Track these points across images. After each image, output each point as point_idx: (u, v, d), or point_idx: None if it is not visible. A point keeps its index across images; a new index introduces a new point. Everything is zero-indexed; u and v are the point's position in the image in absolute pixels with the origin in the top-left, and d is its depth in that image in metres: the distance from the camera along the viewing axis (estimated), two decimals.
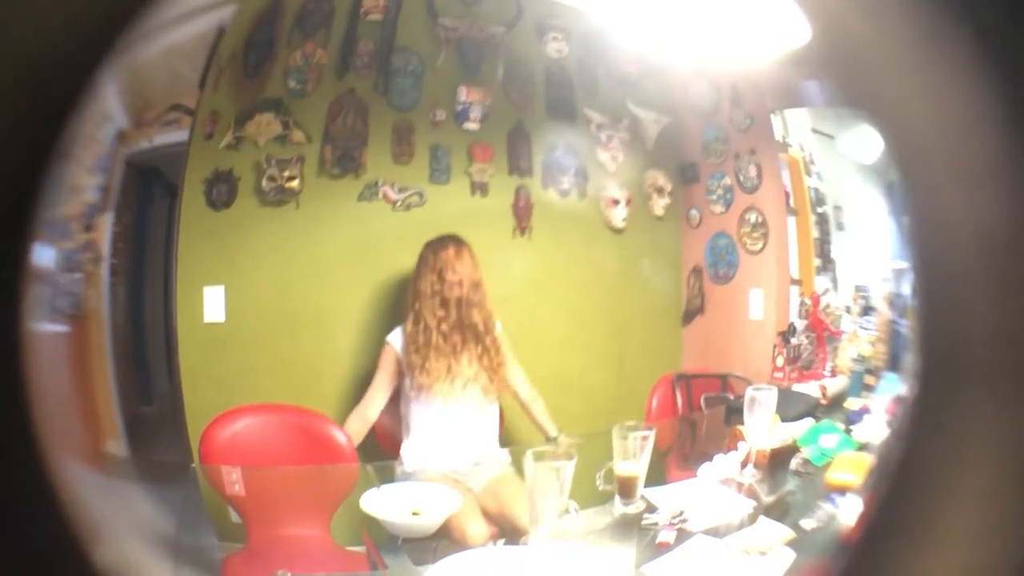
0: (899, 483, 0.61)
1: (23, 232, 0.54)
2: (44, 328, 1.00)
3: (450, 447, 1.51)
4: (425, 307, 1.49)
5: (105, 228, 1.42)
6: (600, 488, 1.21)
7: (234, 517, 1.35)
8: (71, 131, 0.56)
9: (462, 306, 1.50)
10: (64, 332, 1.29)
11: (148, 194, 1.53)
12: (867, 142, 0.98)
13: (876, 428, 1.31)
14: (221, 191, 1.49)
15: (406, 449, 1.51)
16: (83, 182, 1.42)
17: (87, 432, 1.35)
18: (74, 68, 0.54)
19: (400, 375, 1.52)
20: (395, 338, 1.52)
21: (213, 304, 1.48)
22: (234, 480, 1.39)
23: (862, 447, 1.28)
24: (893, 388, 1.28)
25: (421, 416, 1.50)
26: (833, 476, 1.20)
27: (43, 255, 0.62)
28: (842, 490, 1.15)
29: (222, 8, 1.53)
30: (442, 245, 1.50)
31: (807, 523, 1.11)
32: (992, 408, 0.58)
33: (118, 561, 0.62)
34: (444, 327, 1.49)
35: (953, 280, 0.59)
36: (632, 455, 1.18)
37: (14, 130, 0.52)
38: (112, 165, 1.45)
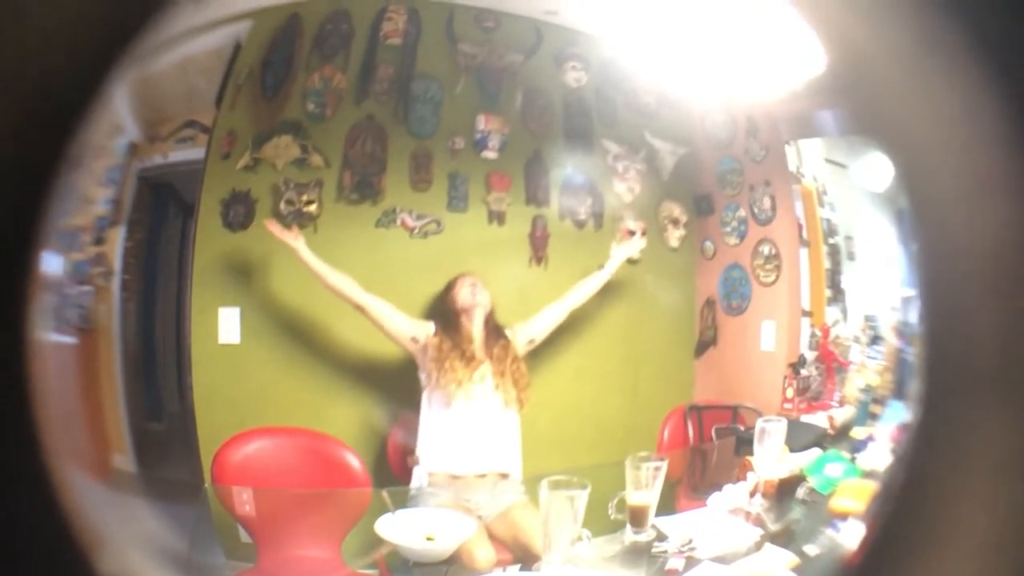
0: (901, 507, 0.67)
1: (30, 238, 0.56)
2: (51, 338, 1.10)
3: (467, 449, 1.63)
4: (449, 322, 1.64)
5: (116, 242, 1.52)
6: (612, 517, 1.33)
7: (244, 537, 1.45)
8: (80, 138, 0.58)
9: (488, 322, 1.65)
10: (72, 344, 1.39)
11: (162, 211, 1.63)
12: (878, 170, 1.09)
13: (880, 455, 1.41)
14: (238, 212, 1.61)
15: (423, 448, 1.63)
16: (94, 193, 1.52)
17: (94, 444, 1.44)
18: (82, 73, 0.56)
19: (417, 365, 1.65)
20: (429, 327, 1.65)
21: (228, 325, 1.60)
22: (245, 501, 1.49)
23: (866, 474, 1.39)
24: (898, 416, 1.38)
25: (439, 417, 1.63)
26: (837, 503, 1.31)
27: (51, 263, 0.65)
28: (845, 516, 1.25)
29: (238, 23, 1.62)
30: (460, 276, 1.66)
31: (811, 549, 1.23)
32: (994, 429, 0.61)
33: (121, 571, 0.66)
34: (465, 343, 1.63)
35: (959, 304, 0.63)
36: (644, 485, 1.31)
37: (21, 132, 0.54)
38: (124, 178, 1.55)
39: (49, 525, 0.58)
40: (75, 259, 1.44)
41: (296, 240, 1.58)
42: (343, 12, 1.66)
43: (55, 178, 0.56)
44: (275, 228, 1.58)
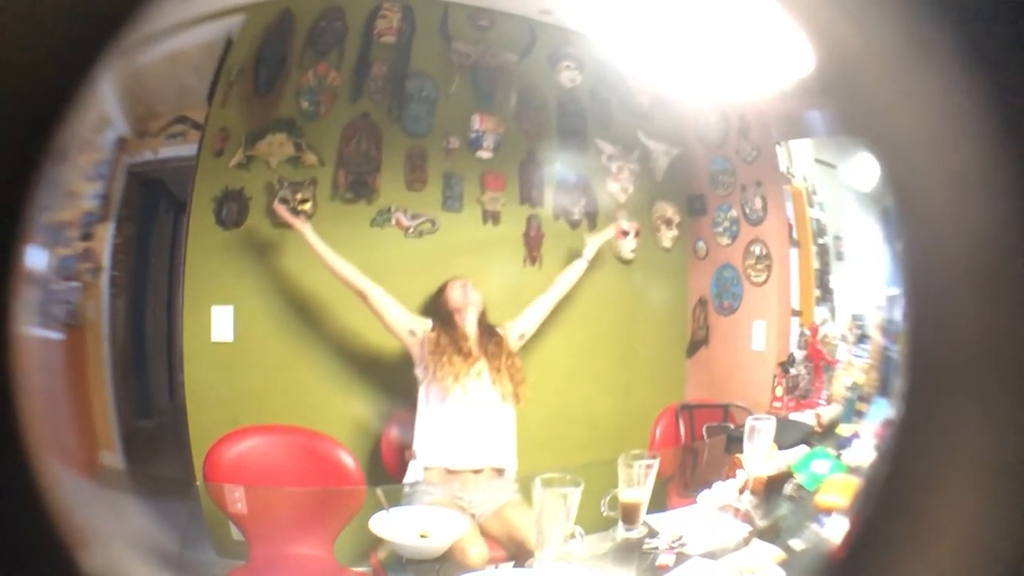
0: (884, 502, 0.70)
1: (14, 232, 0.57)
2: (36, 333, 1.11)
3: (463, 444, 1.66)
4: (445, 320, 1.67)
5: (105, 238, 1.52)
6: (604, 514, 1.36)
7: (236, 534, 1.47)
8: (65, 132, 0.58)
9: (481, 321, 1.68)
10: (59, 339, 1.39)
11: (152, 207, 1.64)
12: (866, 170, 1.12)
13: (864, 452, 1.45)
14: (231, 210, 1.62)
15: (419, 443, 1.65)
16: (80, 188, 1.52)
17: (81, 441, 1.46)
18: (65, 66, 0.57)
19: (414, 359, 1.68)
20: (427, 323, 1.68)
21: (221, 323, 1.61)
22: (238, 499, 1.51)
23: (851, 471, 1.43)
24: (882, 413, 1.41)
25: (436, 411, 1.66)
26: (822, 498, 1.35)
27: (35, 258, 0.67)
28: (830, 511, 1.30)
29: (228, 17, 1.62)
30: (451, 279, 1.69)
31: (796, 544, 1.28)
32: (976, 426, 0.64)
33: (107, 567, 0.67)
34: (461, 340, 1.66)
35: (942, 302, 0.65)
36: (636, 483, 1.34)
37: (2, 125, 0.55)
38: (113, 173, 1.55)
39: (33, 522, 0.59)
40: (61, 254, 1.44)
41: (304, 224, 1.61)
42: (336, 9, 1.67)
43: (38, 172, 0.57)
44: (283, 211, 1.62)
